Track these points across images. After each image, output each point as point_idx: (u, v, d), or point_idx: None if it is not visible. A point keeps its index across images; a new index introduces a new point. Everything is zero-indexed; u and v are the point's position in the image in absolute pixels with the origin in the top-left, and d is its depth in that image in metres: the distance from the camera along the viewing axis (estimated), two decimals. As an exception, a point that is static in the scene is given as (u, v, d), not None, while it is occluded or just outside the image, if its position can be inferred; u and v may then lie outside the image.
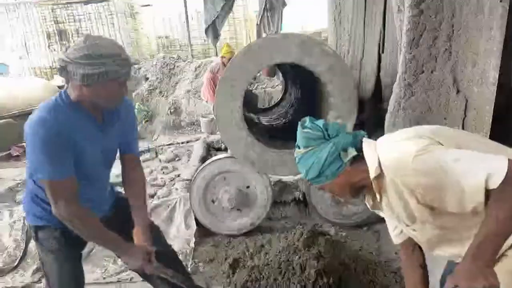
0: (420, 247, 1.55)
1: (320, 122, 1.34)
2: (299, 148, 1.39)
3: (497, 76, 2.09)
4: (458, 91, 2.35)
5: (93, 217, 1.66)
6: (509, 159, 1.09)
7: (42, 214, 1.72)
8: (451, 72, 2.39)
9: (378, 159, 1.27)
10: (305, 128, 1.33)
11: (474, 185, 1.10)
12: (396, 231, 1.58)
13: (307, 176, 1.37)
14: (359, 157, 1.30)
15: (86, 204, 1.66)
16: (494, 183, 1.07)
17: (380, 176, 1.28)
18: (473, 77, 2.23)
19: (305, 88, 4.37)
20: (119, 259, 3.12)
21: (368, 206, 1.54)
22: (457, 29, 2.30)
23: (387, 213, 1.45)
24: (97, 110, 1.64)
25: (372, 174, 1.27)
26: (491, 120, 2.18)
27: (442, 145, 1.22)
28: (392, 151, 1.27)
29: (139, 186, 1.93)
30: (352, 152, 1.28)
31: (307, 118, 1.37)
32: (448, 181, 1.13)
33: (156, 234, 1.95)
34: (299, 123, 1.38)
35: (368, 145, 1.34)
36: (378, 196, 1.35)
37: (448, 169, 1.13)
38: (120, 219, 1.86)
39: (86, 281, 2.87)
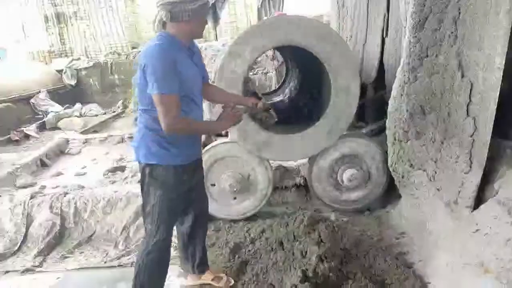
0: None
1: None
2: None
3: (503, 61, 2.05)
4: (463, 76, 2.31)
5: (193, 121, 2.03)
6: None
7: (156, 150, 1.99)
8: (456, 56, 2.35)
9: None
10: None
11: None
12: None
13: None
14: None
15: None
16: None
17: None
18: (479, 62, 2.19)
19: (307, 72, 4.32)
20: (120, 244, 3.16)
21: None
22: (463, 13, 2.25)
23: None
24: (187, 43, 2.02)
25: None
26: (495, 106, 2.15)
27: None
28: None
29: (218, 88, 2.52)
30: None
31: None
32: None
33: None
34: None
35: None
36: None
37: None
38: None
39: (86, 265, 2.92)
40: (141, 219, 2.86)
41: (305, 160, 3.41)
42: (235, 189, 3.19)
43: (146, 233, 2.13)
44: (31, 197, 3.50)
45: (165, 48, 1.87)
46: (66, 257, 3.06)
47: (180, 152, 2.02)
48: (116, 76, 9.74)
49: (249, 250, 2.80)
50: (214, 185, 3.26)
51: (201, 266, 2.49)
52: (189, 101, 2.01)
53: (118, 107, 8.95)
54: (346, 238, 2.76)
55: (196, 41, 2.17)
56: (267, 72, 7.88)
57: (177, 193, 2.08)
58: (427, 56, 2.54)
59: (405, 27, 2.82)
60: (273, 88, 6.92)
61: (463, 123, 2.31)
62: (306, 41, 2.85)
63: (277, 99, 5.14)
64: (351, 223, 3.21)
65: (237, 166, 3.23)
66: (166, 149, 1.99)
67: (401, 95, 2.74)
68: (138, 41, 11.55)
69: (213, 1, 8.58)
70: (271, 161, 3.34)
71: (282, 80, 6.16)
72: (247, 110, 2.38)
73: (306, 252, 2.50)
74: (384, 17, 3.82)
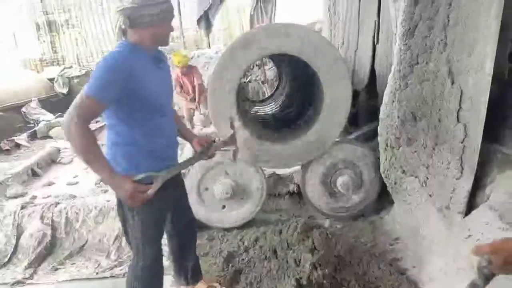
0: None
1: None
2: None
3: (492, 65, 2.07)
4: (453, 83, 2.33)
5: (93, 139, 1.71)
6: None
7: (128, 167, 1.84)
8: (446, 63, 2.37)
9: None
10: None
11: None
12: None
13: None
14: None
15: (161, 139, 1.94)
16: None
17: None
18: (469, 67, 2.21)
19: (300, 79, 4.33)
20: (112, 254, 3.12)
21: None
22: (453, 18, 2.27)
23: None
24: (151, 51, 1.91)
25: None
26: (485, 111, 2.16)
27: None
28: None
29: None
30: None
31: None
32: None
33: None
34: None
35: None
36: None
37: None
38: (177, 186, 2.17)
39: (78, 276, 2.88)
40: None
41: (299, 167, 3.41)
42: (228, 197, 3.17)
43: (134, 252, 2.03)
44: (22, 208, 3.46)
45: (123, 55, 1.77)
46: (57, 269, 3.02)
47: (153, 167, 1.87)
48: (108, 84, 9.70)
49: (242, 259, 2.78)
50: (208, 195, 3.24)
51: (194, 276, 2.46)
52: (151, 110, 1.86)
53: (111, 115, 8.89)
54: (339, 245, 2.75)
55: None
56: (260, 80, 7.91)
57: (156, 208, 1.95)
58: (417, 63, 2.56)
59: (395, 34, 2.85)
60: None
61: (454, 129, 2.32)
62: (298, 50, 2.87)
63: (269, 106, 5.15)
64: (345, 229, 3.20)
65: (231, 174, 3.22)
66: (136, 165, 1.85)
67: (393, 101, 2.75)
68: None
69: (206, 9, 8.60)
70: (264, 169, 3.34)
71: (276, 87, 6.19)
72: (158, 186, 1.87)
73: (300, 260, 2.49)
74: (375, 24, 3.86)
